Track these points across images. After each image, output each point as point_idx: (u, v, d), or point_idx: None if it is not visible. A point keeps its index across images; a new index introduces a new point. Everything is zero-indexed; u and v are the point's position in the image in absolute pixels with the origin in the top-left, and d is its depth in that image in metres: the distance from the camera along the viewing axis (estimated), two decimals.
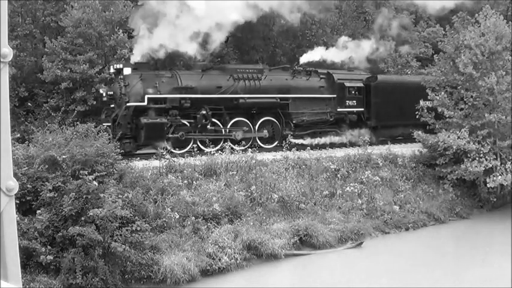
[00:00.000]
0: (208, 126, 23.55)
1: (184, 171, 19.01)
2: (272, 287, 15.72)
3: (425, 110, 24.81)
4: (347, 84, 27.94)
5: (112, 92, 22.26)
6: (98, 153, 15.46)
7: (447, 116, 23.80)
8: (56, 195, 14.23)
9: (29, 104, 26.31)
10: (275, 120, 25.61)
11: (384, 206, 21.10)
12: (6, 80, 2.94)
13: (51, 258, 13.36)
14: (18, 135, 18.69)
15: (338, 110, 27.50)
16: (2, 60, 2.88)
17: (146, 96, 21.84)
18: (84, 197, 14.01)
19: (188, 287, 14.76)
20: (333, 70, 28.92)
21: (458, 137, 22.82)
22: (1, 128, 2.88)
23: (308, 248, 17.96)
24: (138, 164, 18.70)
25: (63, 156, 14.89)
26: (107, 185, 14.86)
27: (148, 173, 18.33)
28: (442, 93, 24.55)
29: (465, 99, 23.72)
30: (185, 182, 18.40)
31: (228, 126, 24.18)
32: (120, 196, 14.64)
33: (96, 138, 16.21)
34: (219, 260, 15.67)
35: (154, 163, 19.27)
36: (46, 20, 28.47)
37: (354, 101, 28.11)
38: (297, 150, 23.22)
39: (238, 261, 15.93)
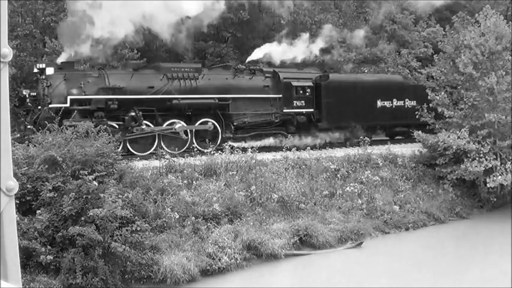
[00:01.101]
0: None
1: (184, 171, 19.01)
2: (272, 287, 15.71)
3: (425, 110, 24.82)
4: (294, 83, 26.48)
5: (35, 93, 21.28)
6: (98, 153, 15.46)
7: (447, 116, 23.81)
8: (56, 195, 14.22)
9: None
10: (214, 122, 23.97)
11: (383, 206, 21.10)
12: (6, 80, 2.94)
13: (51, 258, 13.36)
14: (18, 135, 18.66)
15: (284, 110, 26.00)
16: (2, 60, 2.88)
17: (69, 97, 20.78)
18: (84, 197, 14.00)
19: (188, 287, 14.75)
20: (279, 69, 27.74)
21: (458, 137, 22.82)
22: (1, 128, 2.88)
23: (308, 248, 17.96)
24: (138, 164, 18.70)
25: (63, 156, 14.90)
26: (107, 185, 14.85)
27: (148, 173, 18.33)
28: (442, 93, 24.57)
29: (465, 99, 23.72)
30: (185, 182, 18.40)
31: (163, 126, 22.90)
32: (120, 196, 14.63)
33: (96, 138, 16.21)
34: (219, 260, 15.67)
35: (154, 163, 19.28)
36: (46, 20, 28.48)
37: (303, 101, 26.63)
38: (297, 150, 23.20)
39: (238, 261, 15.93)
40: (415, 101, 28.87)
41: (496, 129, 23.16)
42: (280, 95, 26.09)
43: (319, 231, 18.12)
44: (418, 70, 38.11)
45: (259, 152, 22.00)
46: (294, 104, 26.37)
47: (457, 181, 23.29)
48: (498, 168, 22.62)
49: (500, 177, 22.27)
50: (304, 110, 26.60)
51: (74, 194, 13.87)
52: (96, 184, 14.30)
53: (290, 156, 21.95)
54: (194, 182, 18.70)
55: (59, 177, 14.56)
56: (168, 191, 17.57)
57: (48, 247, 13.63)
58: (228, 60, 33.64)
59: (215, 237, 16.37)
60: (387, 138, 29.76)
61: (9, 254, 2.92)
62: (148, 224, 15.03)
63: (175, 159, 19.49)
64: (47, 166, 14.83)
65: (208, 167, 19.68)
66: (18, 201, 13.72)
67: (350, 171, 22.14)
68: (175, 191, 17.69)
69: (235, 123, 24.84)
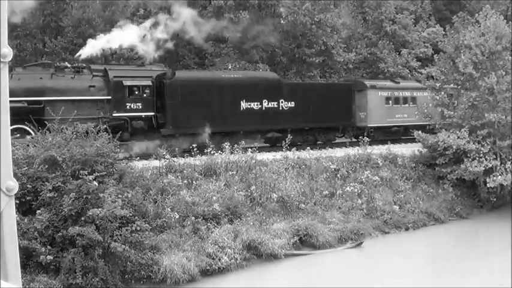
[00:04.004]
0: None
1: (184, 171, 19.01)
2: (272, 287, 15.71)
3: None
4: (127, 82, 22.66)
5: None
6: (98, 153, 15.45)
7: (447, 115, 23.81)
8: (56, 195, 14.22)
9: None
10: (28, 129, 20.04)
11: (383, 206, 21.10)
12: (6, 80, 2.94)
13: (51, 258, 13.36)
14: (18, 135, 18.64)
15: (114, 115, 22.10)
16: (2, 60, 2.88)
17: None
18: (84, 197, 14.00)
19: (188, 287, 14.75)
20: (111, 66, 24.42)
21: (458, 137, 22.83)
22: (1, 128, 2.88)
23: (308, 248, 17.96)
24: (138, 164, 18.68)
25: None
26: (107, 185, 14.85)
27: (148, 173, 18.33)
28: (442, 93, 24.58)
29: (465, 99, 23.72)
30: (185, 182, 18.40)
31: None
32: (119, 196, 14.63)
33: (96, 138, 16.21)
34: (219, 260, 15.67)
35: (154, 163, 19.26)
36: (46, 20, 28.50)
37: (139, 104, 22.77)
38: (297, 150, 23.18)
39: (238, 261, 15.93)
40: (293, 102, 26.45)
41: (496, 129, 23.17)
42: (110, 97, 22.33)
43: (319, 231, 18.13)
44: (418, 70, 38.16)
45: (259, 152, 21.97)
46: (128, 107, 22.55)
47: (457, 181, 23.30)
48: (498, 168, 22.63)
49: (500, 177, 22.27)
50: (142, 114, 22.74)
51: (74, 194, 13.87)
52: (96, 184, 14.30)
53: (290, 156, 21.95)
54: (194, 182, 18.70)
55: (59, 177, 14.56)
56: (168, 191, 17.57)
57: (48, 247, 13.63)
58: (227, 60, 33.64)
59: (215, 237, 16.37)
60: (267, 145, 26.57)
61: (9, 254, 2.92)
62: (148, 224, 15.03)
63: (175, 159, 19.48)
64: (47, 166, 14.83)
65: (208, 167, 19.68)
66: (18, 201, 13.71)
67: (350, 171, 22.15)
68: (175, 191, 17.69)
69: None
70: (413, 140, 26.35)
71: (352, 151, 24.04)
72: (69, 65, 22.32)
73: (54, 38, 27.09)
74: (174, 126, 23.39)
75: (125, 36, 23.79)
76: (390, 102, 30.98)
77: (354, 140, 29.58)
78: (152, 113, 22.98)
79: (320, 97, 27.79)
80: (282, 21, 37.91)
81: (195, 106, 23.73)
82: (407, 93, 31.73)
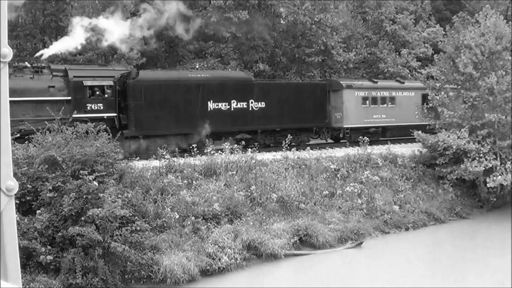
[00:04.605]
0: None
1: (184, 171, 19.02)
2: (272, 287, 15.71)
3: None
4: (87, 82, 22.17)
5: None
6: (98, 153, 15.46)
7: (447, 115, 23.82)
8: (55, 195, 14.23)
9: None
10: None
11: (383, 206, 21.10)
12: (6, 80, 2.94)
13: (51, 258, 13.37)
14: (18, 135, 18.64)
15: (74, 116, 20.99)
16: (2, 60, 2.87)
17: None
18: (84, 197, 14.00)
19: (188, 287, 14.75)
20: (71, 65, 23.77)
21: (458, 137, 22.83)
22: (1, 128, 2.87)
23: (308, 248, 17.96)
24: (138, 164, 18.69)
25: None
26: (107, 184, 14.85)
27: (148, 173, 18.34)
28: (442, 93, 24.58)
29: (465, 99, 23.74)
30: (185, 181, 18.40)
31: None
32: (119, 196, 14.64)
33: (96, 138, 16.21)
34: (219, 260, 15.67)
35: (154, 163, 19.27)
36: (46, 20, 28.51)
37: (101, 105, 22.29)
38: (297, 150, 23.17)
39: (238, 261, 15.94)
40: (264, 103, 25.90)
41: (496, 129, 23.17)
42: (69, 97, 21.79)
43: (319, 231, 18.13)
44: (418, 70, 38.16)
45: (259, 152, 21.96)
46: (88, 108, 22.05)
47: (457, 181, 23.31)
48: (498, 168, 22.63)
49: (500, 177, 22.28)
50: (103, 115, 22.00)
51: (74, 194, 13.88)
52: (96, 184, 14.30)
53: (290, 156, 21.95)
54: (194, 182, 18.70)
55: (59, 177, 14.57)
56: (168, 191, 17.58)
57: (48, 247, 13.65)
58: (228, 61, 33.64)
59: (215, 237, 16.37)
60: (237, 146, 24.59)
61: (9, 254, 2.91)
62: (148, 224, 15.05)
63: (175, 159, 19.48)
64: (47, 166, 14.84)
65: (208, 167, 19.69)
66: (18, 201, 13.73)
67: (350, 171, 22.15)
68: (175, 191, 17.69)
69: None
70: (397, 141, 26.05)
71: (352, 151, 24.04)
72: (28, 65, 21.87)
73: (54, 38, 27.11)
74: (137, 127, 22.83)
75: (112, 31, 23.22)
76: (367, 102, 29.98)
77: (330, 141, 29.09)
78: (114, 114, 22.39)
79: (293, 97, 27.08)
80: (282, 21, 37.93)
81: (160, 107, 23.21)
82: (385, 93, 30.76)
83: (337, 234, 18.67)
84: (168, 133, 22.80)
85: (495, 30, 23.54)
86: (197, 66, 31.35)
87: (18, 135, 18.04)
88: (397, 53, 40.20)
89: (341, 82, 30.28)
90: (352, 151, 24.04)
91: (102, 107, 22.22)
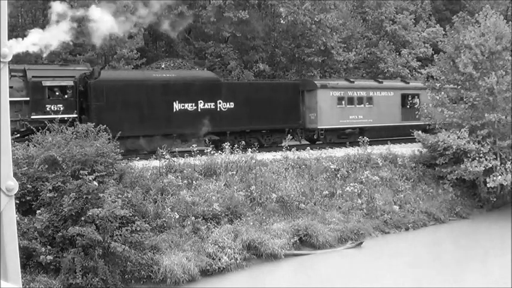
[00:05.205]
0: None
1: (184, 171, 19.02)
2: (272, 287, 15.71)
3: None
4: (46, 82, 21.65)
5: None
6: (98, 153, 15.46)
7: (447, 115, 23.81)
8: (55, 195, 14.23)
9: None
10: None
11: (383, 206, 21.10)
12: (6, 80, 2.94)
13: (51, 258, 13.37)
14: (18, 135, 18.65)
15: (33, 117, 20.91)
16: (2, 60, 2.87)
17: None
18: (84, 197, 14.00)
19: (188, 287, 14.75)
20: (30, 65, 23.20)
21: (458, 137, 22.83)
22: (1, 128, 2.87)
23: (308, 248, 17.96)
24: (138, 164, 18.69)
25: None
26: (107, 184, 14.85)
27: (148, 173, 18.34)
28: (442, 93, 24.58)
29: (465, 99, 23.74)
30: (185, 181, 18.40)
31: None
32: (119, 196, 14.64)
33: (96, 138, 16.21)
34: (219, 260, 15.67)
35: (154, 163, 19.27)
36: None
37: (60, 105, 21.70)
38: (297, 150, 23.15)
39: (238, 261, 15.94)
40: (232, 103, 25.17)
41: (496, 129, 23.16)
42: (28, 98, 21.29)
43: (319, 231, 18.13)
44: (418, 70, 38.16)
45: (259, 152, 21.94)
46: (48, 109, 21.44)
47: (457, 181, 23.30)
48: (498, 168, 22.63)
49: (500, 177, 22.27)
50: (63, 116, 20.54)
51: (74, 194, 13.88)
52: (96, 184, 14.30)
53: (290, 156, 21.95)
54: (194, 182, 18.70)
55: (59, 177, 14.57)
56: (168, 191, 17.58)
57: (48, 247, 13.65)
58: (228, 61, 33.64)
59: (215, 237, 16.37)
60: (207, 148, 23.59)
61: (9, 254, 2.91)
62: (148, 224, 15.04)
63: (175, 159, 19.48)
64: (47, 166, 14.84)
65: (208, 167, 19.69)
66: (18, 201, 13.73)
67: (350, 171, 22.14)
68: (175, 191, 17.69)
69: None
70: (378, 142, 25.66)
71: (352, 151, 24.04)
72: None
73: None
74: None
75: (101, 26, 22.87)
76: (343, 102, 29.04)
77: (305, 142, 28.37)
78: (75, 115, 21.50)
79: (264, 97, 26.25)
80: (281, 21, 37.92)
81: (123, 108, 22.56)
82: (362, 93, 29.83)
83: (337, 234, 18.67)
84: (132, 135, 22.15)
85: (495, 30, 23.54)
86: (163, 66, 30.54)
87: None
88: (397, 53, 40.20)
89: (315, 82, 29.64)
90: (352, 151, 24.03)
91: (62, 108, 21.64)
